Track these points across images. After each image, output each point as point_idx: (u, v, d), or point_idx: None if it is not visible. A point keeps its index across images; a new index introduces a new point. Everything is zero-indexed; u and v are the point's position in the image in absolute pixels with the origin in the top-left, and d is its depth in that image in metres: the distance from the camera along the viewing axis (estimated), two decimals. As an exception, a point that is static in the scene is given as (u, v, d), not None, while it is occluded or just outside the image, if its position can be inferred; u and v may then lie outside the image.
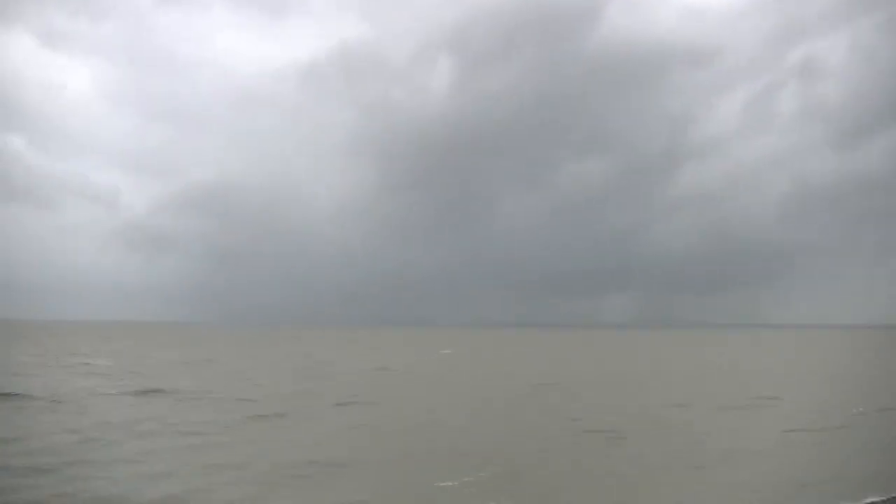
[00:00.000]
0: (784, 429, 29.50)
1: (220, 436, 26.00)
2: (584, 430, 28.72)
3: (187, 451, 23.00)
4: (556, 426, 30.28)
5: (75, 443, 23.50)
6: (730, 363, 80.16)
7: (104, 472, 19.47)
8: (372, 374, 58.25)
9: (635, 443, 26.11)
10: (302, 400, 37.81)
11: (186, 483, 18.61)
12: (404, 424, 30.29)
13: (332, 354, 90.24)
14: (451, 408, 35.98)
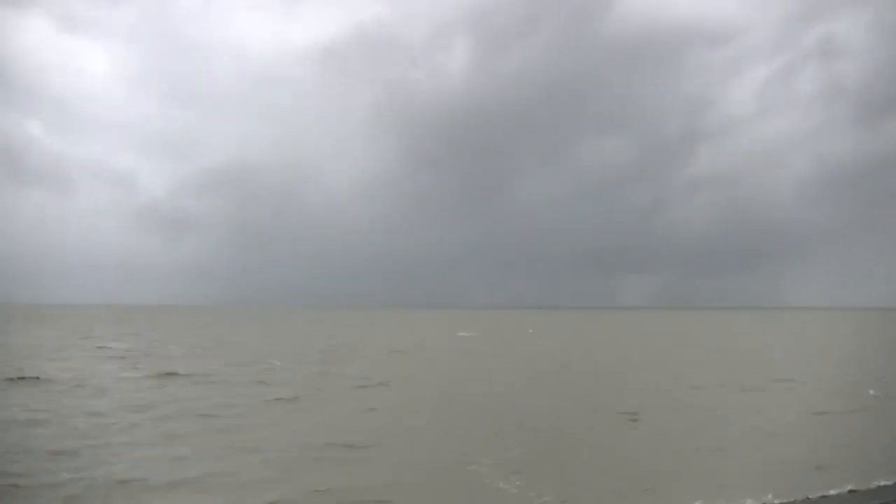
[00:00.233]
0: (800, 411, 29.28)
1: (240, 418, 25.93)
2: (606, 411, 28.54)
3: (207, 433, 22.96)
4: (577, 408, 30.08)
5: (96, 426, 23.51)
6: (748, 345, 79.70)
7: (125, 455, 19.44)
8: (392, 356, 58.15)
9: (656, 424, 25.95)
10: (322, 382, 37.68)
11: (207, 465, 18.50)
12: (425, 406, 30.15)
13: (352, 337, 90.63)
14: (468, 391, 35.77)
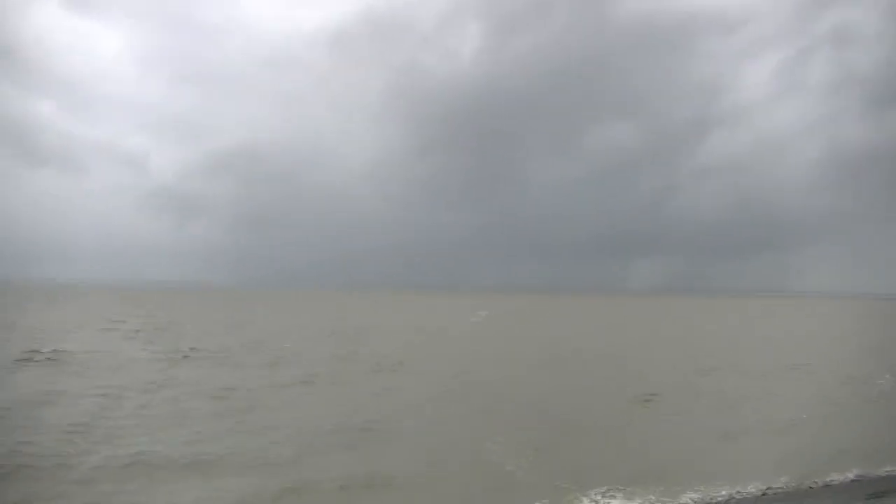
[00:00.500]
0: (816, 397, 29.47)
1: (255, 399, 26.09)
2: (620, 395, 28.67)
3: (221, 414, 23.14)
4: (592, 391, 30.26)
5: (110, 405, 23.77)
6: (761, 330, 79.61)
7: (138, 435, 19.67)
8: (406, 338, 58.26)
9: (671, 408, 26.11)
10: (337, 363, 37.87)
11: (220, 445, 18.71)
12: (440, 388, 30.27)
13: (365, 318, 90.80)
14: (483, 373, 35.91)
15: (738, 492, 15.48)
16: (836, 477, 16.97)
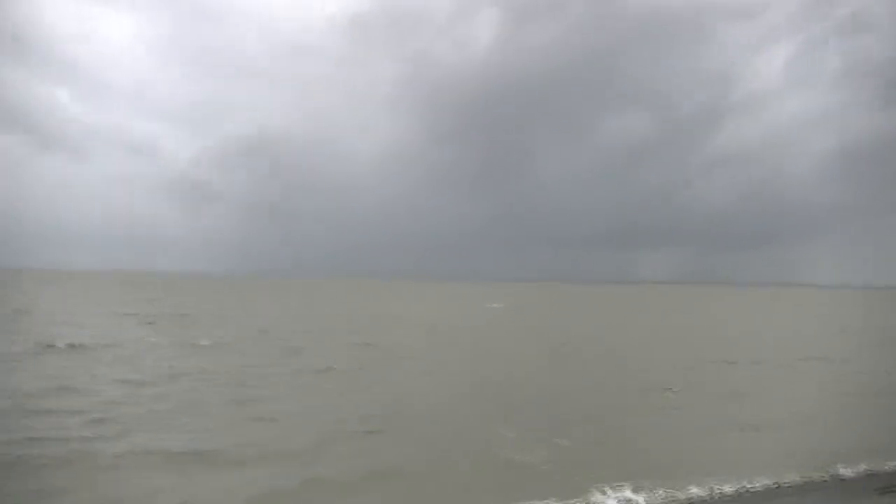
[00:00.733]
0: (838, 390, 29.47)
1: (271, 388, 26.24)
2: (635, 387, 28.74)
3: (238, 402, 23.32)
4: (607, 383, 30.32)
5: (128, 394, 24.09)
6: (774, 321, 79.42)
7: (153, 424, 19.90)
8: (422, 327, 58.44)
9: (689, 401, 26.07)
10: (354, 352, 38.00)
11: (234, 436, 18.82)
12: (457, 379, 30.37)
13: (378, 307, 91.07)
14: (499, 364, 36.04)
15: (746, 486, 15.53)
16: (846, 471, 16.99)
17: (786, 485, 15.83)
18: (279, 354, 36.17)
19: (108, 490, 14.62)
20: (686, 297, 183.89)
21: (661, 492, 14.86)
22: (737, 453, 18.89)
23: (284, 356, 35.64)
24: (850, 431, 21.72)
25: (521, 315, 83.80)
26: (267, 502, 14.35)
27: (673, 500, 14.59)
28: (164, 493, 14.51)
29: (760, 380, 31.89)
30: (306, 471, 16.09)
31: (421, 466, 16.80)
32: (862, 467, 17.24)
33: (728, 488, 15.30)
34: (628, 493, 14.67)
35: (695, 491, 15.02)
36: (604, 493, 14.62)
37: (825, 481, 16.33)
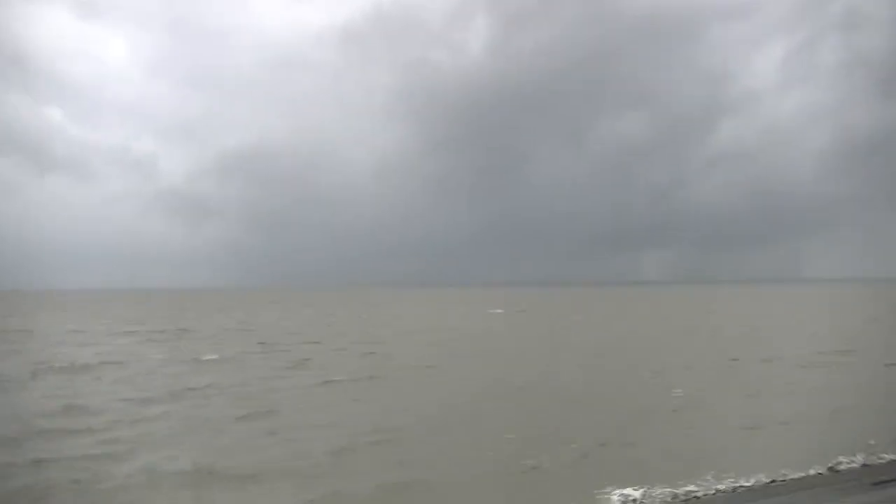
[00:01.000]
0: (854, 384, 29.69)
1: (283, 403, 25.95)
2: (646, 389, 28.79)
3: (247, 418, 23.05)
4: (618, 386, 30.37)
5: (133, 412, 23.98)
6: (779, 318, 79.21)
7: (164, 442, 19.82)
8: (430, 335, 58.28)
9: (694, 402, 25.92)
10: (365, 363, 37.88)
11: (247, 452, 18.62)
12: (471, 387, 30.24)
13: (379, 316, 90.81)
14: (513, 370, 35.97)
15: (741, 483, 15.67)
16: (843, 462, 17.09)
17: (783, 479, 15.96)
18: (286, 367, 36.11)
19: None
20: (688, 296, 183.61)
21: (656, 488, 15.00)
22: (745, 451, 18.68)
23: (291, 368, 35.61)
24: (866, 427, 21.63)
25: (523, 320, 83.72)
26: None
27: (673, 499, 14.76)
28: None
29: (772, 377, 31.91)
30: (324, 485, 15.73)
31: (436, 475, 16.63)
32: (859, 460, 17.35)
33: (725, 486, 15.42)
34: (628, 490, 14.89)
35: (693, 487, 15.19)
36: (603, 490, 14.80)
37: (822, 474, 16.45)
